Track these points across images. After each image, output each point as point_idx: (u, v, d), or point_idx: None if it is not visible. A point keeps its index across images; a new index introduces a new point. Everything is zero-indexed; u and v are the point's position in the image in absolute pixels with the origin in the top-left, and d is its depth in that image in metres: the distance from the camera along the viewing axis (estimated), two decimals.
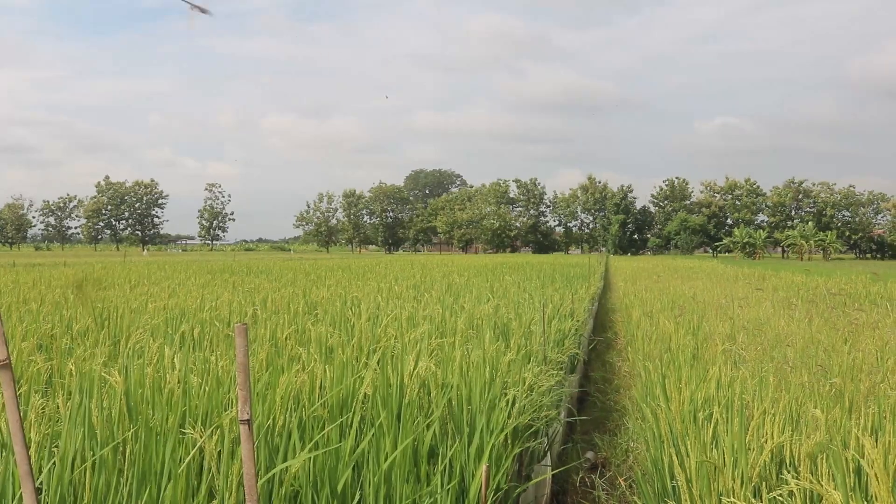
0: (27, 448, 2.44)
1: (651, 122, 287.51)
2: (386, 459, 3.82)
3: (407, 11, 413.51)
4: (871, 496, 3.46)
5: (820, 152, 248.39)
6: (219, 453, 3.68)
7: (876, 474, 3.34)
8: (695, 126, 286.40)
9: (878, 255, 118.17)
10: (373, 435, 4.03)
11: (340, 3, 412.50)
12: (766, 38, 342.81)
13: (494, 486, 4.26)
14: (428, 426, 4.27)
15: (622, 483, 6.09)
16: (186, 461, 3.51)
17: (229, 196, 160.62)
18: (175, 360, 5.38)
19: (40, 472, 3.54)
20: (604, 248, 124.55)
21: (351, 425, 4.09)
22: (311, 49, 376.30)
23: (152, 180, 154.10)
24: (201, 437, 3.67)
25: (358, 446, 3.92)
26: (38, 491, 2.85)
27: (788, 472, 3.85)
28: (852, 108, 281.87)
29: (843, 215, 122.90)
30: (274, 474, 3.63)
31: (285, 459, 3.78)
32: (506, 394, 5.03)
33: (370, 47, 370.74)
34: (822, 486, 3.32)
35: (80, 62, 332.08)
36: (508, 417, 4.71)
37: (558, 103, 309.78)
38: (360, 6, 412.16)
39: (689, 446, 4.25)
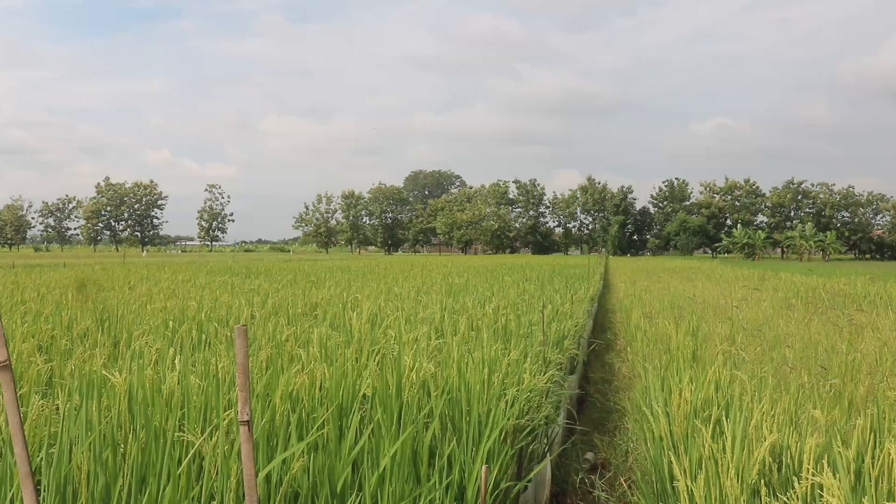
0: (27, 449, 2.44)
1: (647, 124, 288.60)
2: (385, 460, 3.82)
3: (404, 14, 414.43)
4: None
5: (815, 153, 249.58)
6: (219, 453, 3.68)
7: None
8: (690, 127, 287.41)
9: (878, 256, 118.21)
10: (371, 435, 4.04)
11: (337, 5, 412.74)
12: (758, 39, 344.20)
13: (493, 487, 4.26)
14: (427, 427, 4.27)
15: (622, 484, 6.09)
16: (186, 461, 3.51)
17: (229, 197, 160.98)
18: (175, 361, 5.39)
19: (40, 473, 3.55)
20: (603, 249, 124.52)
21: (350, 426, 4.09)
22: (309, 51, 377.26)
23: (152, 181, 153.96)
24: (200, 439, 3.67)
25: (357, 446, 3.92)
26: (38, 491, 2.86)
27: (789, 472, 3.86)
28: (845, 109, 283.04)
29: (843, 216, 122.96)
30: (273, 475, 3.63)
31: (284, 461, 3.78)
32: (505, 394, 5.03)
33: (368, 49, 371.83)
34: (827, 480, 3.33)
35: (77, 63, 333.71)
36: (507, 418, 4.71)
37: (555, 105, 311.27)
38: (357, 8, 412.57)
39: (688, 447, 4.26)
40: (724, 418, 4.49)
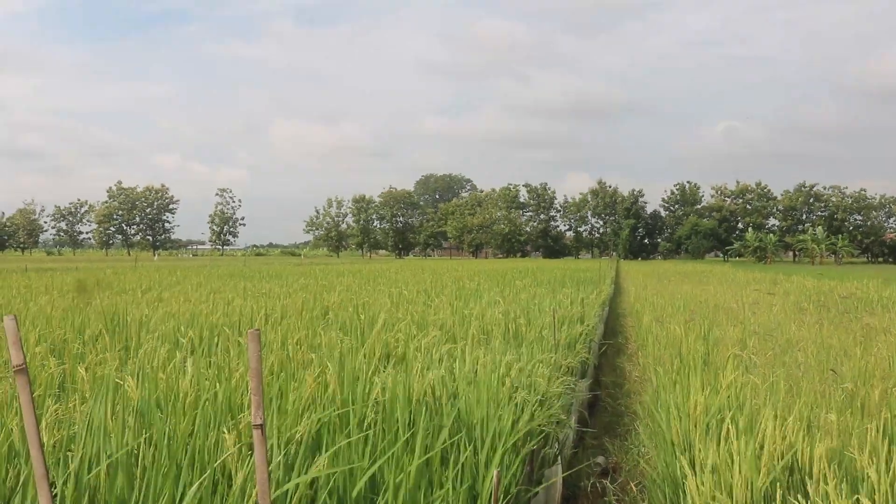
0: (43, 451, 2.46)
1: (657, 127, 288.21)
2: (402, 470, 3.82)
3: (413, 18, 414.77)
4: None
5: (826, 156, 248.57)
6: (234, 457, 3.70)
7: None
8: (700, 131, 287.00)
9: (891, 259, 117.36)
10: (384, 439, 4.04)
11: (346, 10, 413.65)
12: (767, 41, 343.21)
13: (505, 491, 4.26)
14: (441, 433, 4.28)
15: (633, 488, 6.08)
16: (199, 466, 3.53)
17: (240, 201, 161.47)
18: (187, 365, 5.41)
19: (55, 476, 3.57)
20: (614, 253, 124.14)
21: (367, 436, 4.10)
22: (318, 55, 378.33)
23: (163, 185, 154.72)
24: (215, 443, 3.69)
25: (373, 455, 3.92)
26: (53, 495, 2.88)
27: (801, 476, 3.84)
28: (854, 111, 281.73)
29: (855, 219, 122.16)
30: (290, 480, 3.65)
31: (300, 469, 3.80)
32: (516, 399, 5.03)
33: (377, 53, 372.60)
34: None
35: (87, 68, 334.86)
36: (519, 422, 4.71)
37: (564, 108, 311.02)
38: (366, 13, 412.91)
39: (700, 452, 4.24)
40: (735, 423, 4.48)
